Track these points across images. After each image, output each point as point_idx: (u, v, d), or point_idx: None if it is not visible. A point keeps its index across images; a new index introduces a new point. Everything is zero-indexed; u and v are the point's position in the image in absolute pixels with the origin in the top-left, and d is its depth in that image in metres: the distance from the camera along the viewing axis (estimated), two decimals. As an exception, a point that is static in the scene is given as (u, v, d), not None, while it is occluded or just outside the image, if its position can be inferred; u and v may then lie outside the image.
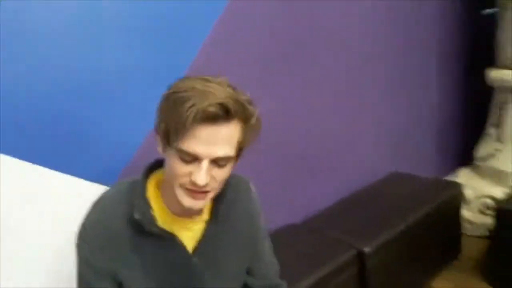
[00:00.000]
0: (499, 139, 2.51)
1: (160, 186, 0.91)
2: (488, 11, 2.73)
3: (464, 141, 2.82)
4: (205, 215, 0.94)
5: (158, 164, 0.91)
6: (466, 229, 2.42)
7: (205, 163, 0.78)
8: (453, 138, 2.85)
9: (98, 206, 0.90)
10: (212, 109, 0.74)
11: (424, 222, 1.93)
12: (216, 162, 0.79)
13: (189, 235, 0.92)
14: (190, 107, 0.73)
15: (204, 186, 0.79)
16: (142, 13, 1.28)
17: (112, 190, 0.94)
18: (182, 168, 0.79)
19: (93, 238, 0.87)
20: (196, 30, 1.42)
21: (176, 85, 0.79)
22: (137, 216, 0.85)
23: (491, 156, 2.51)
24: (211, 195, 0.85)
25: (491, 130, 2.57)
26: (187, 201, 0.82)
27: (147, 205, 0.86)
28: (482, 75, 2.49)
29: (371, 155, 2.28)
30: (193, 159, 0.78)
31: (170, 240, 0.89)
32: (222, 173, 0.82)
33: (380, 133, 2.31)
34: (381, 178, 2.29)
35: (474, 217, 2.47)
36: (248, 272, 1.05)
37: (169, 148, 0.80)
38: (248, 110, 0.79)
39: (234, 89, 0.79)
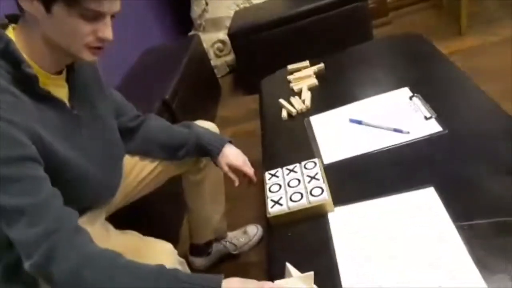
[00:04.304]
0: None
1: (20, 44, 0.84)
2: None
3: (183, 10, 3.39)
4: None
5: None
6: (219, 72, 3.15)
7: (108, 19, 0.84)
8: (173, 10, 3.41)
9: None
10: None
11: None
12: (111, 18, 0.85)
13: (63, 91, 0.93)
14: None
15: (109, 41, 0.85)
16: None
17: None
18: (86, 28, 0.82)
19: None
20: None
21: None
22: (29, 71, 0.81)
23: (204, 11, 3.18)
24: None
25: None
26: (89, 57, 0.87)
27: (28, 65, 0.82)
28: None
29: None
30: (96, 16, 0.82)
31: (53, 100, 0.88)
32: (112, 30, 0.87)
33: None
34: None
35: (216, 61, 3.19)
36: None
37: (67, 11, 0.79)
38: None
39: None
